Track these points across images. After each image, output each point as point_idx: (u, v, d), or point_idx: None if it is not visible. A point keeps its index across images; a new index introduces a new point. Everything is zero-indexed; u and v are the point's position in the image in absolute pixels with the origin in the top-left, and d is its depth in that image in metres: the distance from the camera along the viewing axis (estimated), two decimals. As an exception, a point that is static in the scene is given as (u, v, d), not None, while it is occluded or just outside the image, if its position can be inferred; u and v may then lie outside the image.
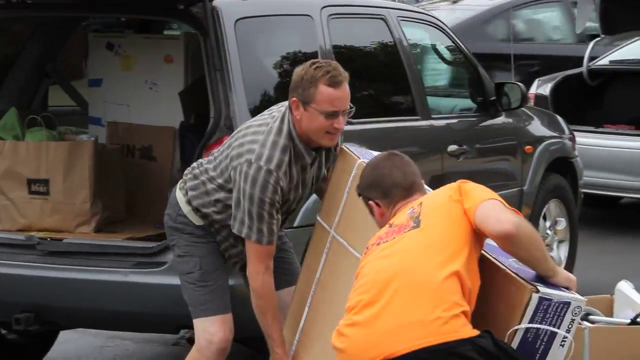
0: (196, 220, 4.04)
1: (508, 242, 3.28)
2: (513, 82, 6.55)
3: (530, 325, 3.19)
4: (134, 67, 5.68)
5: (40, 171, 5.20)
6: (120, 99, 5.70)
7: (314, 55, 5.18)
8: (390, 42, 5.70)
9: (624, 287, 4.20)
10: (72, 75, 6.10)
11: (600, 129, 8.86)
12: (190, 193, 4.04)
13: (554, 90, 9.00)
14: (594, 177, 8.32)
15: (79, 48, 6.02)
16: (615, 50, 9.47)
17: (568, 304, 3.23)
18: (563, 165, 6.86)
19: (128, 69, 5.69)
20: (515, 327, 3.20)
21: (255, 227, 3.85)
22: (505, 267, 3.32)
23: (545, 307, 3.21)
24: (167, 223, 4.15)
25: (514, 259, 3.35)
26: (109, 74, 5.73)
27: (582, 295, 3.32)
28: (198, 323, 4.02)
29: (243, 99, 4.76)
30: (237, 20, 4.86)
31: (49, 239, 4.92)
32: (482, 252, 3.41)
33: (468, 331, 3.20)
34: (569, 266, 6.81)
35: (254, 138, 3.90)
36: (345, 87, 3.88)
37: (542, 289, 3.22)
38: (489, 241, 3.39)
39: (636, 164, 8.57)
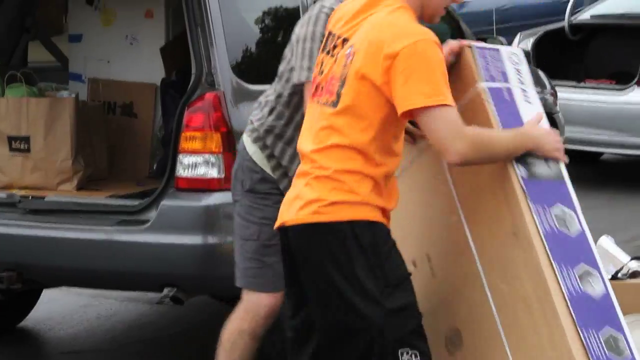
0: (262, 163, 3.81)
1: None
2: (495, 36, 6.53)
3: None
4: (114, 22, 5.63)
5: (20, 128, 5.16)
6: (101, 54, 5.66)
7: (295, 10, 5.14)
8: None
9: (605, 242, 4.23)
10: (52, 30, 6.03)
11: (582, 84, 8.87)
12: (255, 123, 3.81)
13: (536, 44, 8.98)
14: (576, 133, 8.34)
15: (58, 3, 5.95)
16: (597, 5, 9.45)
17: (497, 50, 3.14)
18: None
19: (108, 24, 5.64)
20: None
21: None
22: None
23: (481, 53, 3.11)
24: (233, 172, 3.91)
25: None
26: (89, 30, 5.68)
27: None
28: (245, 290, 3.87)
29: (224, 55, 4.72)
30: (218, -25, 4.81)
31: (30, 197, 4.89)
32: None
33: None
34: (551, 221, 6.83)
35: None
36: None
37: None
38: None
39: (617, 119, 8.59)
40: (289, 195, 3.14)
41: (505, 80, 3.12)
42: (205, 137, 4.57)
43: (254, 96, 4.74)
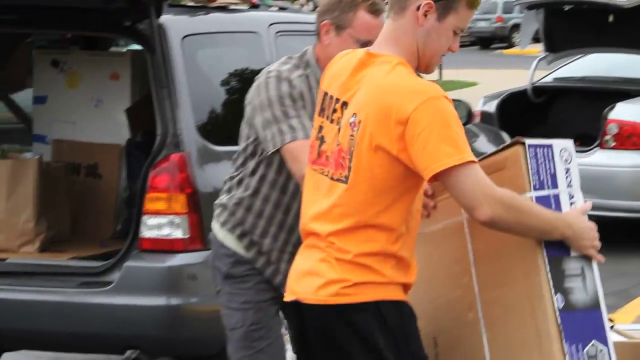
0: (234, 245, 3.64)
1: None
2: (459, 99, 6.59)
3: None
4: (79, 84, 5.63)
5: (-17, 190, 5.13)
6: (66, 116, 5.65)
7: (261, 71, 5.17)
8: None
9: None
10: (16, 92, 6.01)
11: (545, 146, 8.93)
12: (223, 199, 3.67)
13: (500, 107, 9.06)
14: (540, 194, 8.37)
15: (23, 64, 5.94)
16: (559, 68, 9.58)
17: (550, 146, 3.03)
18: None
19: (74, 86, 5.64)
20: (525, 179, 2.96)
21: (286, 126, 3.44)
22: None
23: (534, 153, 2.99)
24: (211, 264, 3.74)
25: None
26: (54, 91, 5.67)
27: None
28: None
29: (190, 116, 4.73)
30: (183, 37, 4.84)
31: (-9, 259, 4.85)
32: None
33: None
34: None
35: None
36: (383, 18, 3.37)
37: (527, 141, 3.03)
38: None
39: (581, 181, 8.63)
40: (298, 266, 2.97)
41: (554, 185, 3.03)
42: (170, 198, 4.55)
43: (219, 157, 4.75)
